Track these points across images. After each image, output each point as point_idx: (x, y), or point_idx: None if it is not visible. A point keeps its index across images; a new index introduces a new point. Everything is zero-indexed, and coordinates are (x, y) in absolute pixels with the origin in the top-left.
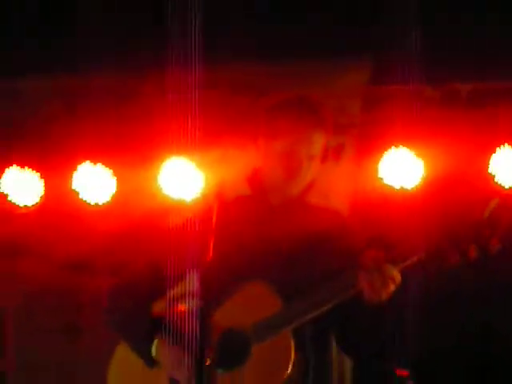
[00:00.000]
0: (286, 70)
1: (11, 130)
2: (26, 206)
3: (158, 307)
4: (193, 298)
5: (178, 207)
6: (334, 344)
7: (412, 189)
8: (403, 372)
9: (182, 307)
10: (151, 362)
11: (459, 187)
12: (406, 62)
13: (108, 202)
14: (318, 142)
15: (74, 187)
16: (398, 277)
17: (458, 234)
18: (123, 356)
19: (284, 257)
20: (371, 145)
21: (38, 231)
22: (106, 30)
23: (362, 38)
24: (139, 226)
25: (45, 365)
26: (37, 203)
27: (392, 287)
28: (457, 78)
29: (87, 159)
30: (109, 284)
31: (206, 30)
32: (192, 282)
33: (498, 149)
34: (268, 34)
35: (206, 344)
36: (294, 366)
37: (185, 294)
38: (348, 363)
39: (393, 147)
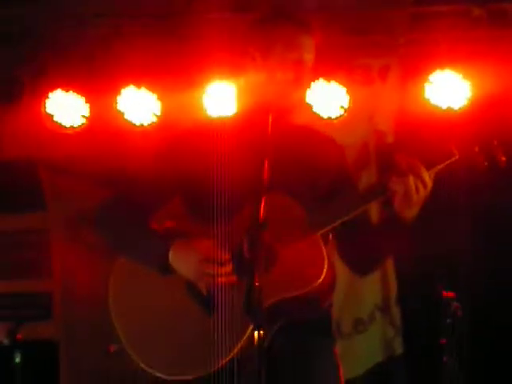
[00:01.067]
0: None
1: (56, 52)
2: (72, 126)
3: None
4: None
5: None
6: None
7: (459, 109)
8: (450, 293)
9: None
10: (166, 269)
11: (506, 108)
12: None
13: (153, 123)
14: (311, 49)
15: (118, 109)
16: (429, 182)
17: (489, 139)
18: (123, 273)
19: (301, 169)
20: (417, 65)
21: (84, 151)
22: None
23: None
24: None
25: (91, 284)
26: (83, 124)
27: (422, 192)
28: None
29: (132, 82)
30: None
31: None
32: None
33: None
34: None
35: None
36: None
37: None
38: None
39: (438, 69)
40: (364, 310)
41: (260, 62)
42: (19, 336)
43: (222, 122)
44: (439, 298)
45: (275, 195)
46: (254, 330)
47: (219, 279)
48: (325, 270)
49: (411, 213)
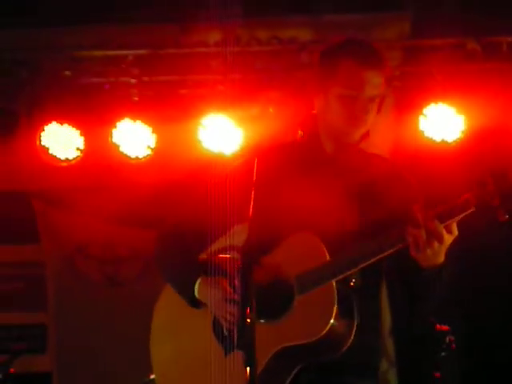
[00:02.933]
0: (326, 23)
1: (52, 84)
2: (67, 159)
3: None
4: (234, 252)
5: (218, 161)
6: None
7: (452, 142)
8: (443, 327)
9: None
10: (194, 302)
11: (500, 141)
12: (447, 15)
13: (148, 155)
14: (380, 85)
15: (114, 141)
16: (444, 235)
17: (507, 188)
18: (166, 303)
19: (334, 207)
20: (412, 97)
21: (79, 184)
22: None
23: None
24: (180, 180)
25: (86, 317)
26: (78, 157)
27: (437, 246)
28: (498, 31)
29: (127, 115)
30: (158, 231)
31: None
32: (233, 236)
33: None
34: None
35: (247, 301)
36: (337, 317)
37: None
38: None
39: (432, 102)
40: None
41: (322, 89)
42: (12, 370)
43: (277, 150)
44: (433, 331)
45: (304, 234)
46: (245, 366)
47: (234, 320)
48: (331, 321)
49: (430, 262)
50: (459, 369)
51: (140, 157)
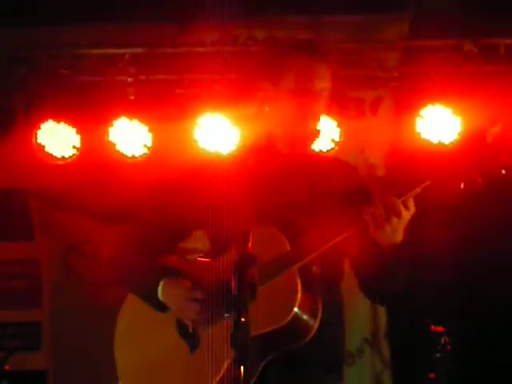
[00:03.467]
0: (325, 24)
1: (49, 82)
2: (63, 157)
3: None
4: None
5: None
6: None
7: (449, 144)
8: (438, 328)
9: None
10: (159, 306)
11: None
12: (444, 16)
13: (144, 154)
14: (328, 79)
15: (110, 139)
16: (402, 210)
17: (461, 162)
18: (130, 308)
19: (291, 202)
20: (409, 99)
21: (74, 182)
22: None
23: None
24: (173, 179)
25: (80, 316)
26: (74, 155)
27: (395, 221)
28: (495, 32)
29: (124, 114)
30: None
31: None
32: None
33: None
34: None
35: (240, 299)
36: (301, 305)
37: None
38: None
39: (429, 104)
40: (353, 343)
41: (272, 92)
42: (7, 367)
43: (226, 157)
44: (427, 332)
45: (262, 227)
46: (238, 366)
47: (198, 316)
48: (297, 304)
49: (389, 239)
50: (454, 370)
51: (136, 155)
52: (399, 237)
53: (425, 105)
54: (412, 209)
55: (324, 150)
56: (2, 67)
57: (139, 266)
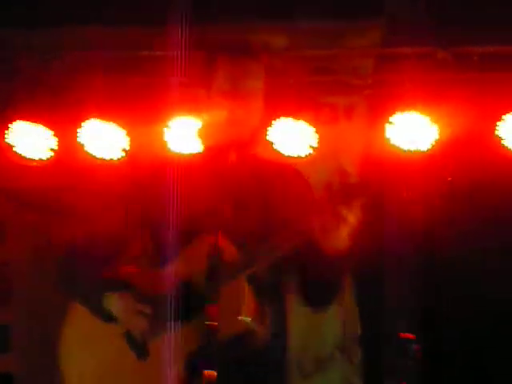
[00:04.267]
0: (299, 29)
1: (22, 83)
2: (35, 158)
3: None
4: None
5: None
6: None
7: (422, 151)
8: (408, 335)
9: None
10: (106, 317)
11: (469, 150)
12: (418, 24)
13: (119, 157)
14: (259, 77)
15: (80, 142)
16: (349, 217)
17: (407, 168)
18: (75, 318)
19: (238, 208)
20: (383, 106)
21: (48, 184)
22: None
23: None
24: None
25: (52, 318)
26: (49, 157)
27: (343, 228)
28: (469, 41)
29: (96, 115)
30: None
31: None
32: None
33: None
34: None
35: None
36: (249, 314)
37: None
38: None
39: (403, 111)
40: (324, 350)
41: (204, 95)
42: None
43: (186, 159)
44: (398, 339)
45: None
46: (203, 369)
47: (146, 321)
48: (245, 314)
49: (335, 246)
50: (425, 377)
51: (107, 158)
52: (344, 243)
53: (398, 112)
54: (358, 215)
55: (297, 155)
56: None
57: (86, 276)
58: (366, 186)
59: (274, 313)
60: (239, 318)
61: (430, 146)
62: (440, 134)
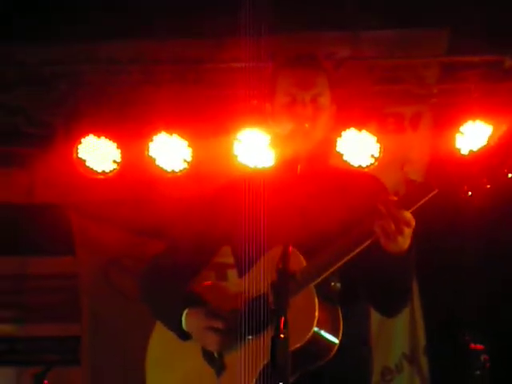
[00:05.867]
0: (362, 39)
1: (89, 97)
2: (103, 172)
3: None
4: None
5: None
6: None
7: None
8: (478, 346)
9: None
10: (183, 335)
11: None
12: (484, 32)
13: (184, 169)
14: (320, 85)
15: (150, 155)
16: (412, 221)
17: (470, 169)
18: (159, 338)
19: (307, 221)
20: (449, 115)
21: (115, 197)
22: None
23: (439, 6)
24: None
25: (119, 331)
26: (114, 170)
27: (407, 231)
28: None
29: (163, 129)
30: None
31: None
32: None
33: None
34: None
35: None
36: (320, 323)
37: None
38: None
39: (470, 120)
40: (392, 359)
41: (269, 107)
42: (46, 382)
43: (257, 173)
44: (467, 349)
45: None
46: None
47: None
48: (315, 323)
49: (399, 248)
50: None
51: (176, 170)
52: (408, 242)
53: (465, 121)
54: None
55: (363, 165)
56: (44, 83)
57: (165, 292)
58: (429, 188)
59: (354, 322)
60: (313, 328)
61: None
62: (498, 136)
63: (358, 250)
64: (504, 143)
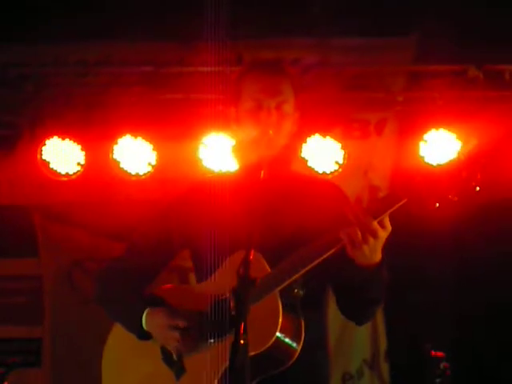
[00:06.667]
0: (331, 46)
1: (54, 99)
2: (67, 174)
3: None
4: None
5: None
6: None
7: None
8: (439, 353)
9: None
10: (143, 335)
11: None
12: (450, 41)
13: (149, 172)
14: (285, 92)
15: (114, 157)
16: (378, 230)
17: (436, 180)
18: (116, 340)
19: (269, 226)
20: (414, 122)
21: (78, 200)
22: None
23: (407, 16)
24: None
25: (82, 333)
26: (78, 172)
27: (372, 241)
28: (501, 59)
29: (129, 132)
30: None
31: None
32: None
33: None
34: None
35: (237, 322)
36: (283, 329)
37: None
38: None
39: (433, 129)
40: (353, 365)
41: (234, 113)
42: (6, 383)
43: (220, 178)
44: (428, 356)
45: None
46: None
47: (179, 345)
48: (279, 328)
49: (368, 260)
50: None
51: (140, 173)
52: (377, 256)
53: (429, 129)
54: (388, 227)
55: (328, 172)
56: (9, 84)
57: (124, 293)
58: (397, 198)
59: (312, 327)
60: (276, 333)
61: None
62: (467, 150)
63: (323, 257)
64: (473, 157)
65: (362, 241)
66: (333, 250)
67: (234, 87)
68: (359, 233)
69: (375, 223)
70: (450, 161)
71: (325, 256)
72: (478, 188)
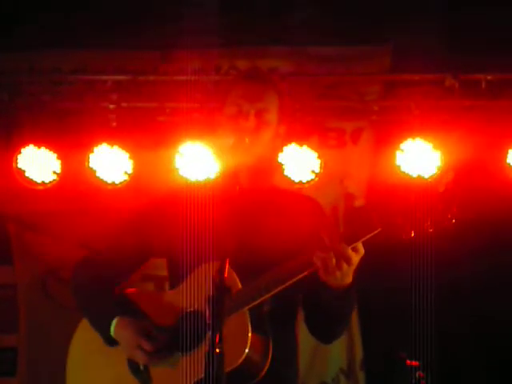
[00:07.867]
0: (307, 55)
1: (30, 107)
2: (43, 182)
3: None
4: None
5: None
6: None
7: (429, 178)
8: (414, 362)
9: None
10: (111, 341)
11: (475, 177)
12: (426, 50)
13: (125, 181)
14: (267, 100)
15: (90, 166)
16: (352, 257)
17: (412, 210)
18: (84, 335)
19: (242, 240)
20: (390, 131)
21: (54, 208)
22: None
23: (382, 25)
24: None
25: (56, 341)
26: (54, 180)
27: (345, 268)
28: (477, 68)
29: (104, 141)
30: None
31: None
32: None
33: None
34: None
35: (214, 331)
36: (252, 346)
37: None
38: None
39: (410, 138)
40: (329, 374)
41: (213, 120)
42: None
43: (197, 187)
44: (403, 365)
45: (213, 263)
46: None
47: (146, 356)
48: (248, 346)
49: (339, 282)
50: None
51: (116, 182)
52: (348, 280)
53: (405, 138)
54: (361, 251)
55: (304, 181)
56: None
57: (96, 294)
58: (372, 226)
59: (281, 344)
60: (245, 350)
61: (435, 172)
62: (445, 161)
63: (295, 279)
64: (450, 189)
65: (336, 267)
66: (305, 273)
67: (221, 94)
68: (333, 259)
69: (349, 250)
70: (427, 191)
71: (297, 278)
72: (453, 220)
